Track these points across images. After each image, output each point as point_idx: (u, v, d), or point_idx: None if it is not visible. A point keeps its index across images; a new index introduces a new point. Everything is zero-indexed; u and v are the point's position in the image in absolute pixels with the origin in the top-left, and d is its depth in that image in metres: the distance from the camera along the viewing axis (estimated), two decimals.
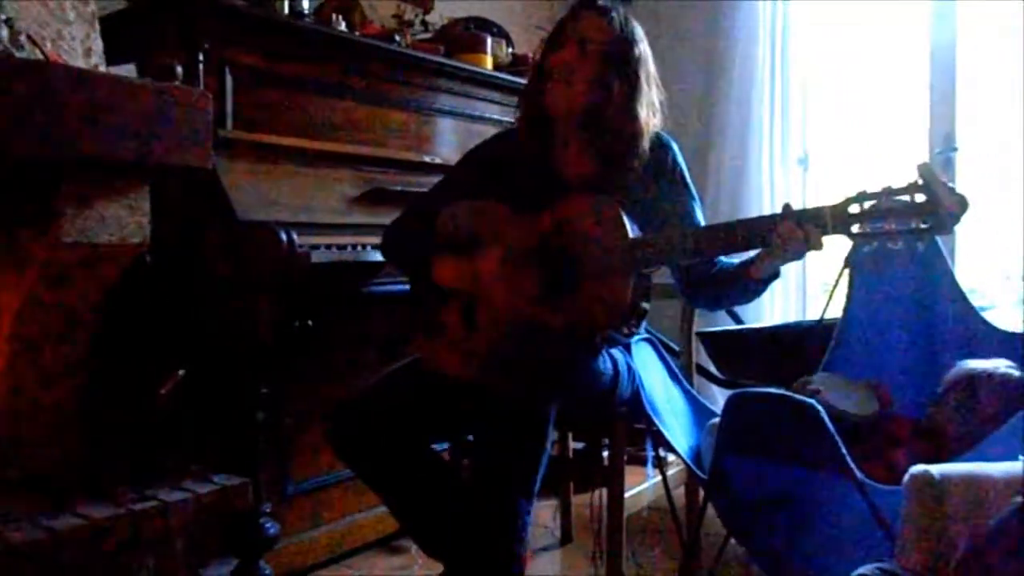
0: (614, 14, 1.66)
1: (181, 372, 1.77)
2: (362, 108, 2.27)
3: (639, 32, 1.69)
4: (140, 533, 1.55)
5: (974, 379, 1.61)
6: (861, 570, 1.08)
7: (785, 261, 1.49)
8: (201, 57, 1.85)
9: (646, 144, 1.66)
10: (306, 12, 2.13)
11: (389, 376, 1.70)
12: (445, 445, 2.01)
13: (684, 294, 1.79)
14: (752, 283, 1.56)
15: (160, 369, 1.78)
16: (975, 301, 1.83)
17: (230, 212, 1.81)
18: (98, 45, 1.68)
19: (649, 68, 1.69)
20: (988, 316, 1.81)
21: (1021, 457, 1.42)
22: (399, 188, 2.19)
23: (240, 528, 1.78)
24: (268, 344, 1.80)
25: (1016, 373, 1.60)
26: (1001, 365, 1.62)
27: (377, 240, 1.91)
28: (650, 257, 1.55)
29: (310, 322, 1.85)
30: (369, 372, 1.74)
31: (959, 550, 1.06)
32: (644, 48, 1.68)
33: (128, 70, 1.67)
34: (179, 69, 1.66)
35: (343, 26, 2.22)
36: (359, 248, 1.95)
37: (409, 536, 1.88)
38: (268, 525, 1.82)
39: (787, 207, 1.47)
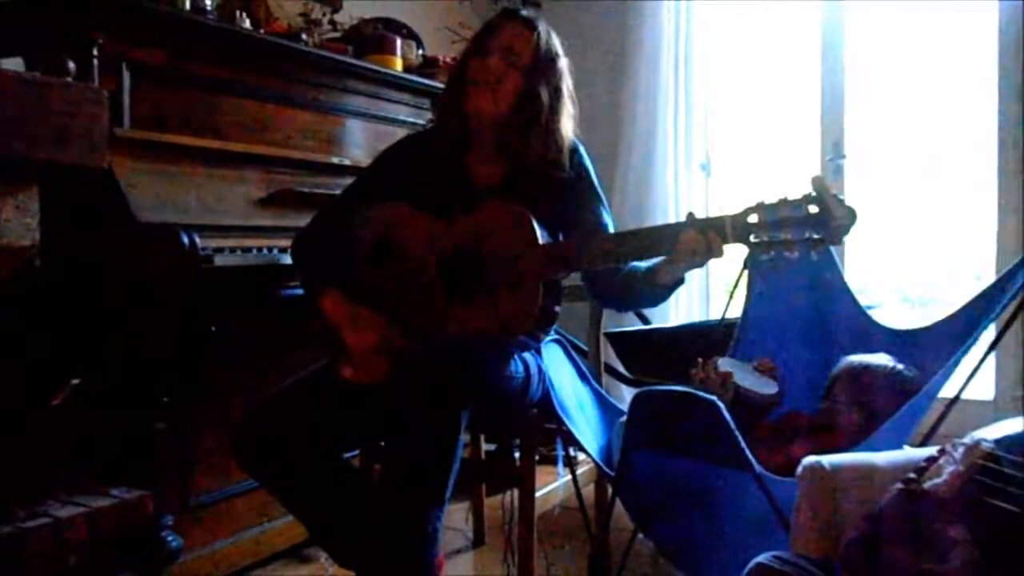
0: (540, 28, 1.69)
1: (75, 381, 1.69)
2: (268, 108, 2.22)
3: (560, 47, 1.72)
4: (29, 551, 1.47)
5: (870, 374, 1.70)
6: (759, 559, 1.12)
7: (689, 268, 1.55)
8: (96, 52, 1.77)
9: (566, 158, 1.69)
10: (208, 8, 2.07)
11: (296, 383, 1.67)
12: (355, 451, 1.99)
13: (592, 294, 1.83)
14: (658, 288, 1.60)
15: (52, 378, 1.69)
16: (863, 300, 1.94)
17: (127, 213, 1.74)
18: None
19: (569, 83, 1.72)
20: (875, 314, 1.92)
21: (905, 447, 1.51)
22: (308, 190, 2.15)
23: (140, 542, 1.71)
24: (168, 351, 1.74)
25: (901, 367, 1.70)
26: (884, 359, 1.73)
27: (286, 243, 1.87)
28: (559, 262, 1.58)
29: (213, 328, 1.79)
30: (277, 379, 1.70)
31: (848, 535, 1.11)
32: (565, 63, 1.71)
33: (15, 64, 1.59)
34: (72, 65, 1.59)
35: (247, 23, 2.16)
36: (267, 251, 1.91)
37: (319, 545, 1.85)
38: (170, 538, 1.75)
39: (691, 216, 1.53)
